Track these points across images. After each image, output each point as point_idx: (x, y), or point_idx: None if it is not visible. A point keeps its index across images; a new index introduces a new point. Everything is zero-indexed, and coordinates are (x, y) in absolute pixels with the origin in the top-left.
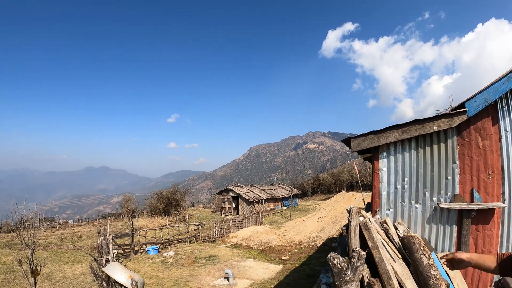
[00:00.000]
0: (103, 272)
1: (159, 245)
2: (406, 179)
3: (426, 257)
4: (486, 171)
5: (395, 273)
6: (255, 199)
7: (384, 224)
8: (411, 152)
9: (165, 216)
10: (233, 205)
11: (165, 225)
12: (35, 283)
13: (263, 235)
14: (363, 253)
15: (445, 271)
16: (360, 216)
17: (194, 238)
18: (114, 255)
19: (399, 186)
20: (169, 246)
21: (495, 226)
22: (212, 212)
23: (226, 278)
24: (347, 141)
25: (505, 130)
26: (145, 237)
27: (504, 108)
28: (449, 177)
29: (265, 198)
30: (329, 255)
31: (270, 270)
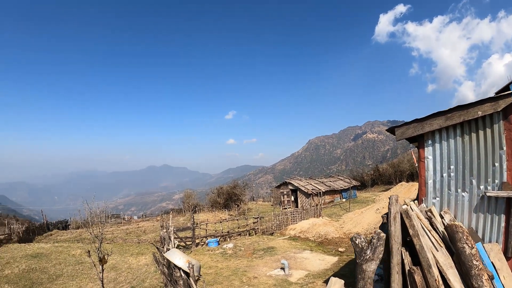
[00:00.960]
0: (164, 259)
1: (219, 237)
2: (452, 167)
3: (469, 246)
4: None
5: (437, 261)
6: (314, 192)
7: (429, 213)
8: (456, 139)
9: (225, 210)
10: (292, 198)
11: (225, 219)
12: (102, 270)
13: (321, 227)
14: (382, 234)
15: (492, 262)
16: (404, 205)
17: (253, 231)
18: (175, 246)
19: (445, 174)
20: (228, 239)
21: None
22: (272, 205)
23: (282, 268)
24: (392, 130)
25: None
26: (206, 230)
27: None
28: (497, 164)
29: (323, 190)
30: (352, 235)
31: (326, 262)
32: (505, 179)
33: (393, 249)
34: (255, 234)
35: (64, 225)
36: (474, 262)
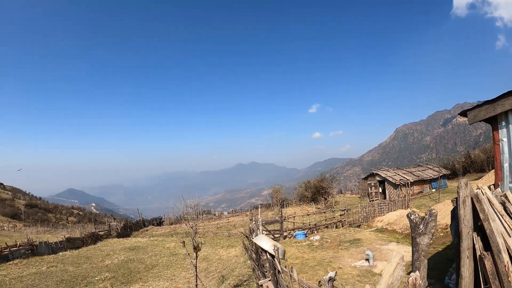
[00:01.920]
0: (252, 245)
1: (306, 230)
2: None
3: None
4: None
5: (508, 247)
6: (402, 182)
7: (503, 198)
8: None
9: (313, 203)
10: (380, 190)
11: (312, 212)
12: (196, 257)
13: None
14: (434, 211)
15: None
16: (477, 190)
17: (340, 223)
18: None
19: None
20: (315, 231)
21: None
22: (359, 198)
23: (367, 259)
24: (464, 113)
25: None
26: (293, 223)
27: None
28: None
29: (411, 181)
30: (407, 212)
31: (411, 254)
32: None
33: (462, 233)
34: (342, 226)
35: (158, 222)
36: None
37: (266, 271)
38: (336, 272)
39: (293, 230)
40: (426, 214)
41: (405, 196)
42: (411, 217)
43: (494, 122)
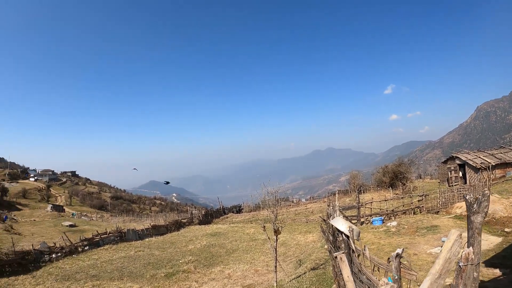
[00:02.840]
0: (329, 228)
1: (383, 216)
2: None
3: None
4: None
5: None
6: (483, 166)
7: None
8: None
9: (390, 189)
10: (460, 174)
11: (389, 198)
12: (277, 240)
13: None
14: (487, 192)
15: None
16: None
17: (418, 209)
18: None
19: None
20: (392, 217)
21: None
22: (438, 182)
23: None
24: None
25: None
26: (370, 209)
27: None
28: None
29: (493, 164)
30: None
31: (488, 242)
32: None
33: None
34: (420, 212)
35: (237, 209)
36: None
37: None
38: (403, 249)
39: (370, 216)
40: (479, 195)
41: (486, 180)
42: (467, 197)
43: None
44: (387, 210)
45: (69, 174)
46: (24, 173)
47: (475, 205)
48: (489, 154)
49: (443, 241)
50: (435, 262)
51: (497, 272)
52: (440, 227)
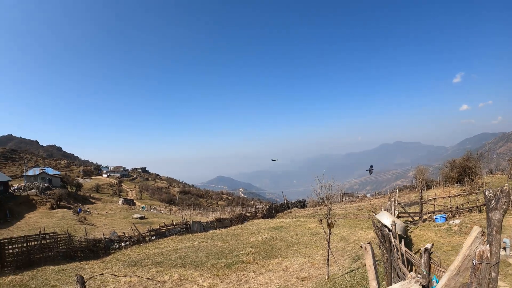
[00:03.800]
0: (379, 222)
1: (447, 213)
2: None
3: None
4: None
5: None
6: None
7: None
8: None
9: (458, 185)
10: None
11: (454, 194)
12: (330, 233)
13: None
14: (505, 187)
15: None
16: None
17: (484, 207)
18: (396, 215)
19: None
20: (456, 215)
21: None
22: (509, 178)
23: (504, 248)
24: None
25: None
26: (434, 205)
27: None
28: None
29: None
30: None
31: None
32: None
33: None
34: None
35: (302, 204)
36: None
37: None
38: (432, 244)
39: (434, 213)
40: (497, 191)
41: None
42: (485, 193)
43: None
44: (451, 207)
45: (140, 170)
46: (97, 170)
47: (493, 202)
48: None
49: (505, 242)
50: (454, 259)
51: None
52: (505, 227)
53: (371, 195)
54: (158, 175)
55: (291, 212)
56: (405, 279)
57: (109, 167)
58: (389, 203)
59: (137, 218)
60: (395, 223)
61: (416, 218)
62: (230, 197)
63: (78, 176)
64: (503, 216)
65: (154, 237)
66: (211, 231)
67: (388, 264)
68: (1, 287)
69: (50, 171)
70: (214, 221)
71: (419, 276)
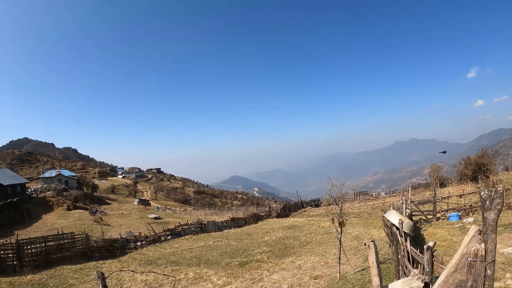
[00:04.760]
0: (388, 221)
1: (460, 211)
2: None
3: None
4: None
5: None
6: None
7: None
8: None
9: (473, 182)
10: None
11: (468, 192)
12: (341, 232)
13: None
14: (500, 188)
15: None
16: None
17: None
18: (407, 214)
19: None
20: (470, 213)
21: None
22: None
23: None
24: None
25: None
26: (447, 204)
27: None
28: None
29: None
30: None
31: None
32: None
33: None
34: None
35: (316, 203)
36: None
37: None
38: (435, 243)
39: (447, 211)
40: (492, 192)
41: None
42: (481, 193)
43: None
44: (464, 206)
45: (154, 171)
46: (112, 171)
47: (487, 202)
48: None
49: None
50: (453, 256)
51: None
52: None
53: (385, 194)
54: (173, 175)
55: (305, 211)
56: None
57: (124, 168)
58: (400, 201)
59: (152, 218)
60: (402, 222)
61: (429, 217)
62: (244, 197)
63: (94, 178)
64: (498, 216)
65: (170, 236)
66: (225, 231)
67: (396, 262)
68: (21, 285)
69: (66, 173)
70: (228, 221)
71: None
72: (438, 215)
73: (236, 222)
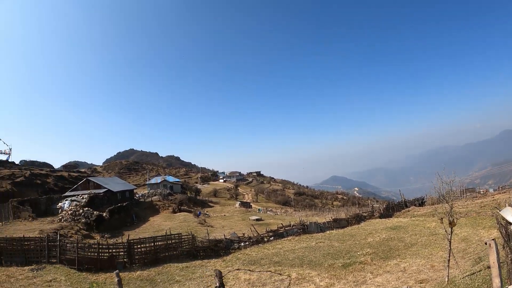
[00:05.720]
0: (503, 219)
1: None
2: None
3: None
4: None
5: None
6: None
7: None
8: None
9: None
10: None
11: None
12: (451, 233)
13: None
14: None
15: None
16: None
17: None
18: None
19: None
20: None
21: None
22: None
23: None
24: None
25: None
26: None
27: None
28: None
29: None
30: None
31: None
32: None
33: None
34: None
35: (420, 202)
36: None
37: None
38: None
39: None
40: None
41: None
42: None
43: None
44: None
45: (255, 174)
46: (214, 175)
47: None
48: None
49: None
50: None
51: None
52: None
53: (494, 190)
54: (272, 178)
55: (409, 211)
56: None
57: (225, 173)
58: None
59: (254, 219)
60: None
61: None
62: (345, 197)
63: (197, 182)
64: None
65: (272, 237)
66: (327, 232)
67: (511, 265)
68: (130, 280)
69: (171, 178)
70: (330, 222)
71: None
72: None
73: (338, 223)
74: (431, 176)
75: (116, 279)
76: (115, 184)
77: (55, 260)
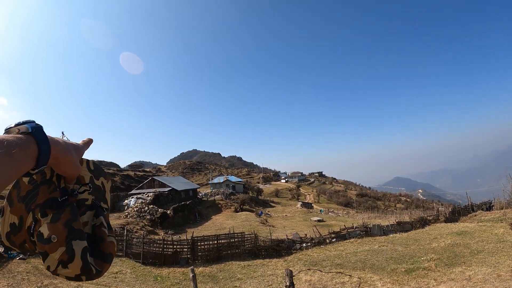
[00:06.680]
0: None
1: None
2: None
3: None
4: None
5: None
6: None
7: None
8: None
9: None
10: None
11: None
12: None
13: None
14: None
15: None
16: None
17: None
18: None
19: None
20: None
21: None
22: None
23: None
24: None
25: None
26: None
27: None
28: None
29: None
30: None
31: None
32: None
33: None
34: None
35: (488, 206)
36: None
37: None
38: None
39: None
40: None
41: None
42: None
43: None
44: None
45: (316, 174)
46: (276, 176)
47: None
48: None
49: None
50: None
51: None
52: None
53: None
54: (334, 178)
55: (475, 215)
56: None
57: (287, 173)
58: None
59: (315, 220)
60: None
61: None
62: (408, 199)
63: (258, 182)
64: None
65: (334, 239)
66: (391, 235)
67: None
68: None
69: (233, 178)
70: (394, 225)
71: None
72: None
73: (401, 226)
74: (500, 178)
75: (191, 275)
76: (179, 183)
77: (121, 254)
